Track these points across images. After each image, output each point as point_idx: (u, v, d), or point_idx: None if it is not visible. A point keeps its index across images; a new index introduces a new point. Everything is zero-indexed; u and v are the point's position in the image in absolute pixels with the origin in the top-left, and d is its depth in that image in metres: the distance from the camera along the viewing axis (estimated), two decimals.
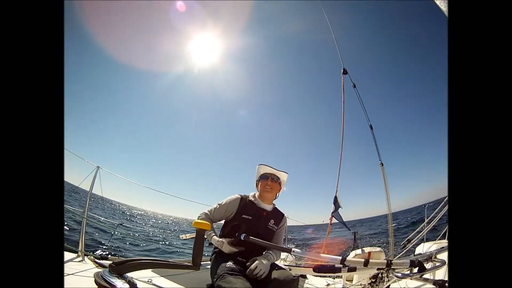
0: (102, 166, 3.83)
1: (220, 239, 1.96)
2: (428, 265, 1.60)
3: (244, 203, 2.15)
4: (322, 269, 1.75)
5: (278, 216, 2.26)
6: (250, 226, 2.03)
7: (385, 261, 1.54)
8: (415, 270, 1.50)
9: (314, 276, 3.67)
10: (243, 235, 1.85)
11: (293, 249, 1.70)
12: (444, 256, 2.19)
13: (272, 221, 2.19)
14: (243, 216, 2.08)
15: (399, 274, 1.63)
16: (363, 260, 1.59)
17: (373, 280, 1.96)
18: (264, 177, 2.26)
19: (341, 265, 1.61)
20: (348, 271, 1.62)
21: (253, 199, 2.21)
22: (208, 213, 2.14)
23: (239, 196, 2.19)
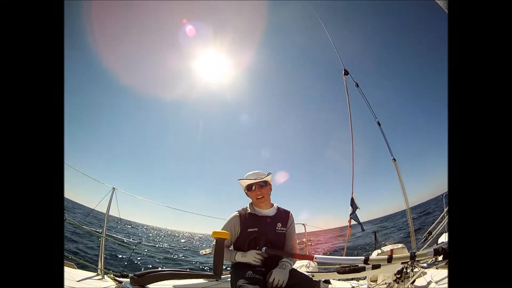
0: (118, 187, 3.94)
1: (244, 253, 1.98)
2: None
3: (245, 218, 2.11)
4: (346, 270, 1.79)
5: (283, 217, 2.20)
6: (259, 237, 2.02)
7: (409, 254, 1.54)
8: (440, 258, 1.47)
9: (338, 279, 3.60)
10: (264, 248, 1.91)
11: (315, 255, 1.72)
12: None
13: (279, 224, 2.14)
14: (249, 230, 2.06)
15: (425, 265, 1.61)
16: (386, 256, 1.59)
17: (398, 276, 1.91)
18: (249, 188, 2.19)
19: (364, 265, 1.63)
20: (372, 269, 1.65)
21: (251, 210, 2.17)
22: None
23: (237, 213, 2.15)
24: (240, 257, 1.97)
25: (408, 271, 1.87)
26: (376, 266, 1.66)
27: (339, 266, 2.11)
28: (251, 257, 1.93)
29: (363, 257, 1.63)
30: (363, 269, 1.67)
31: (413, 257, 1.51)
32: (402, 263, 1.69)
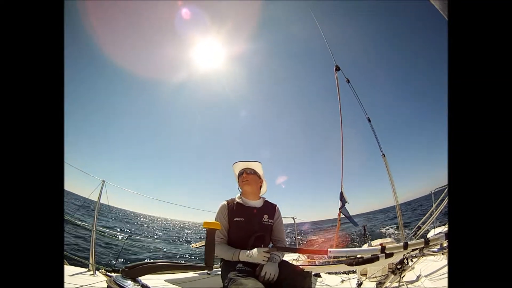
0: (108, 179, 3.87)
1: (249, 252, 1.91)
2: None
3: (232, 207, 2.15)
4: (360, 262, 1.76)
5: (270, 209, 2.26)
6: (244, 227, 2.06)
7: (423, 239, 1.58)
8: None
9: (328, 273, 3.65)
10: (271, 245, 1.90)
11: (329, 249, 1.67)
12: None
13: (266, 216, 2.18)
14: (235, 219, 2.09)
15: (435, 249, 1.66)
16: (402, 244, 1.62)
17: (399, 266, 1.98)
18: (240, 174, 2.32)
19: (378, 254, 1.63)
20: (386, 258, 1.65)
21: (239, 200, 2.22)
22: (218, 236, 2.12)
23: (225, 203, 2.20)
24: (245, 257, 1.89)
25: (409, 261, 1.92)
26: (389, 255, 1.64)
27: (347, 258, 2.11)
28: (260, 256, 1.85)
29: (379, 247, 1.62)
30: (377, 258, 1.64)
31: (427, 242, 1.55)
32: (413, 249, 1.72)
